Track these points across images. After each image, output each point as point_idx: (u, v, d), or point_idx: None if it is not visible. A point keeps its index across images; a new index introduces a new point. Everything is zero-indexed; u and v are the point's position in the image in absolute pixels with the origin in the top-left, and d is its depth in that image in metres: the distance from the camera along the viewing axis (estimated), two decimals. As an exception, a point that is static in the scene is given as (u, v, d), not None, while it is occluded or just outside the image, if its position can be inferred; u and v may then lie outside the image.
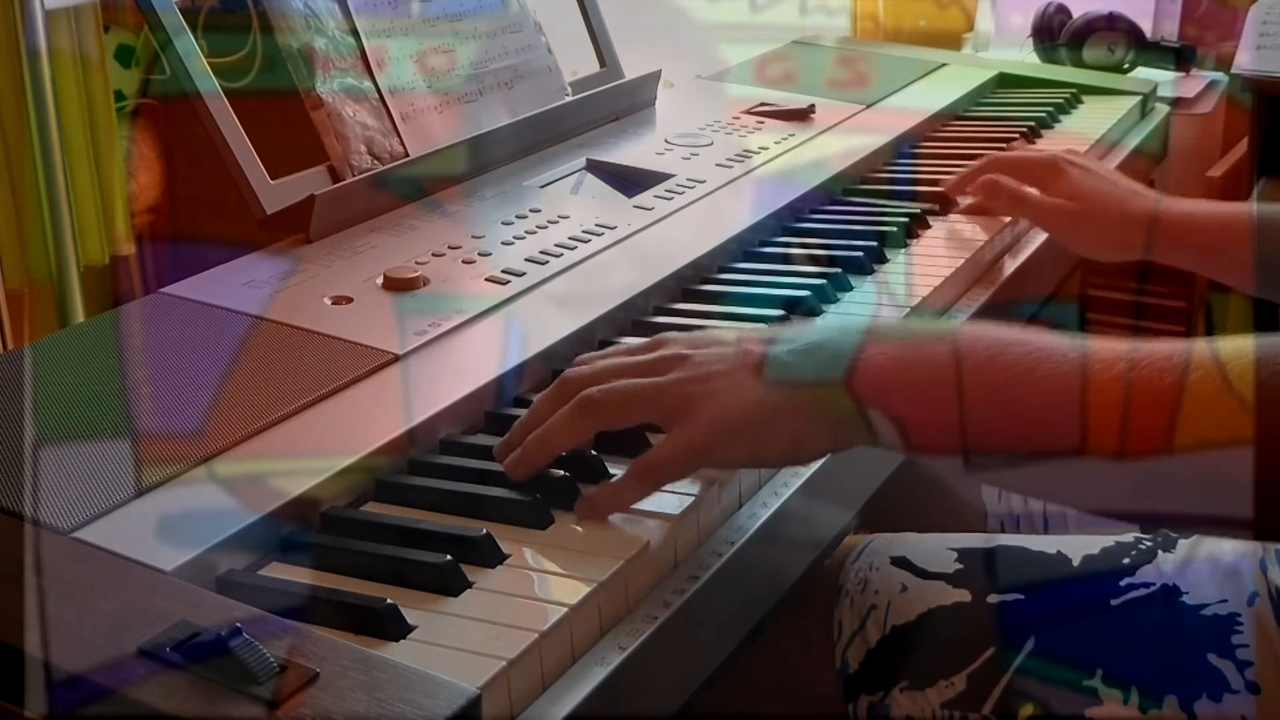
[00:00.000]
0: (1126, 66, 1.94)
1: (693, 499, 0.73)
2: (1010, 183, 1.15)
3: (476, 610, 0.63)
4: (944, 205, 1.21)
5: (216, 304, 0.90)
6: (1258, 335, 0.64)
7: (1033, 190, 1.14)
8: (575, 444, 0.75)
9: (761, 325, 0.90)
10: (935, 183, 1.25)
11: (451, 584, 0.65)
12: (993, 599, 0.85)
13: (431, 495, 0.73)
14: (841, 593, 0.89)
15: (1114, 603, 0.84)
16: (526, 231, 1.05)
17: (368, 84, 1.13)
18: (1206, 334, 1.92)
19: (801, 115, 1.41)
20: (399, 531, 0.69)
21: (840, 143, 1.35)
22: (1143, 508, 0.68)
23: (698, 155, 1.27)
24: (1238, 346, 0.64)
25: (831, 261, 1.06)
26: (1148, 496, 0.66)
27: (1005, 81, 1.69)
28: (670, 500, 0.73)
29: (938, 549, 0.90)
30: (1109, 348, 0.66)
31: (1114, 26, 1.94)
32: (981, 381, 0.67)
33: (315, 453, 0.74)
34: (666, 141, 1.30)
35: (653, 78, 1.43)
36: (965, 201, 1.21)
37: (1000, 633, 0.83)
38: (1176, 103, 1.81)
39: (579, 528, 0.71)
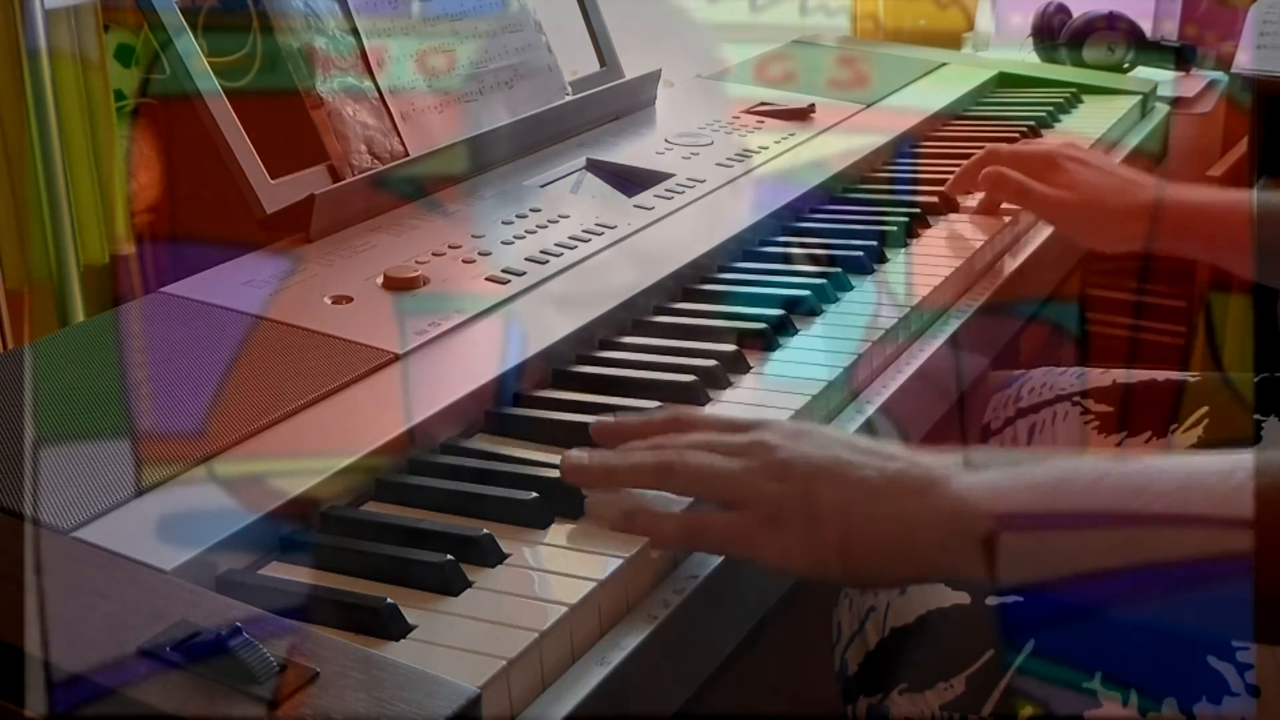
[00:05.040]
0: (1126, 66, 1.94)
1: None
2: (1015, 174, 1.15)
3: (476, 610, 0.64)
4: (944, 204, 1.21)
5: (216, 303, 0.90)
6: None
7: (1035, 182, 1.14)
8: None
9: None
10: (936, 182, 1.25)
11: (452, 583, 0.65)
12: (992, 601, 0.85)
13: (431, 495, 0.73)
14: (840, 595, 0.90)
15: (1114, 604, 0.84)
16: (526, 231, 1.05)
17: (368, 83, 1.13)
18: (1206, 333, 1.92)
19: (801, 115, 1.41)
20: (399, 531, 0.69)
21: (840, 142, 1.35)
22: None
23: (698, 155, 1.27)
24: None
25: (831, 261, 1.06)
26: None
27: (1005, 81, 1.69)
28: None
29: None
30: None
31: (1114, 26, 1.94)
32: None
33: (315, 452, 0.74)
34: (666, 141, 1.30)
35: (653, 77, 1.43)
36: (969, 201, 1.21)
37: (999, 634, 0.83)
38: (1176, 102, 1.81)
39: (580, 528, 0.71)
